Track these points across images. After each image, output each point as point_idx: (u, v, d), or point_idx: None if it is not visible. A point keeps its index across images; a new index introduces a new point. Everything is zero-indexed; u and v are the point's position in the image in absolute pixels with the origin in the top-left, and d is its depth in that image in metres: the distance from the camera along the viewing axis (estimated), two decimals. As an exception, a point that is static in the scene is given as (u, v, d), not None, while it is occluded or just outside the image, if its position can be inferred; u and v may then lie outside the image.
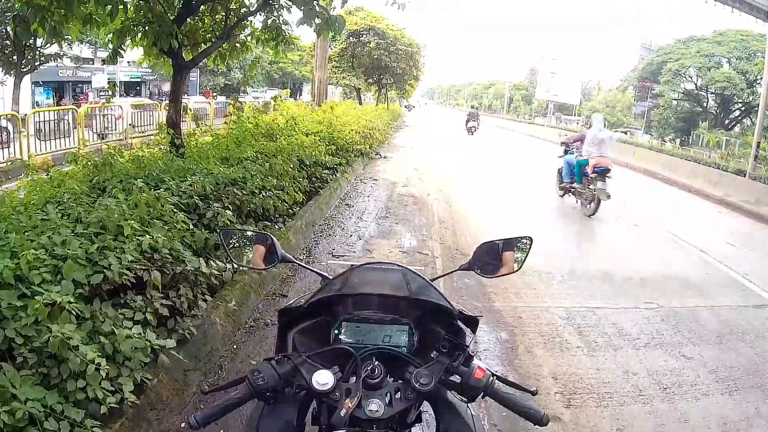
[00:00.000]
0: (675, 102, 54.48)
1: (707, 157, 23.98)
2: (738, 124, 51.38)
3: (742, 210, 14.24)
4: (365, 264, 1.76)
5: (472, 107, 40.53)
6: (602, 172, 10.40)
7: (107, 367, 2.70)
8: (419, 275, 1.69)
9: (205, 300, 4.08)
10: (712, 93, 51.02)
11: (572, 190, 11.58)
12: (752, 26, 35.29)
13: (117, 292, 3.35)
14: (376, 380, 1.43)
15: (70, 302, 2.75)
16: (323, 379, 1.37)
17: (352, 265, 1.73)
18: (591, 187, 10.65)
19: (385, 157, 17.81)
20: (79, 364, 2.59)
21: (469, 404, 1.53)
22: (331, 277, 1.75)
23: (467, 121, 32.64)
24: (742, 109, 50.55)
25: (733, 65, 49.53)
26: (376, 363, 1.47)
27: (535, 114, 77.02)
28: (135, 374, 2.92)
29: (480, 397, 1.47)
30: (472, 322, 1.65)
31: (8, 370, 2.44)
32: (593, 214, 10.72)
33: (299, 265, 1.96)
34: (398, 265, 1.74)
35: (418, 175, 14.60)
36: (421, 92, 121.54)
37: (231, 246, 2.03)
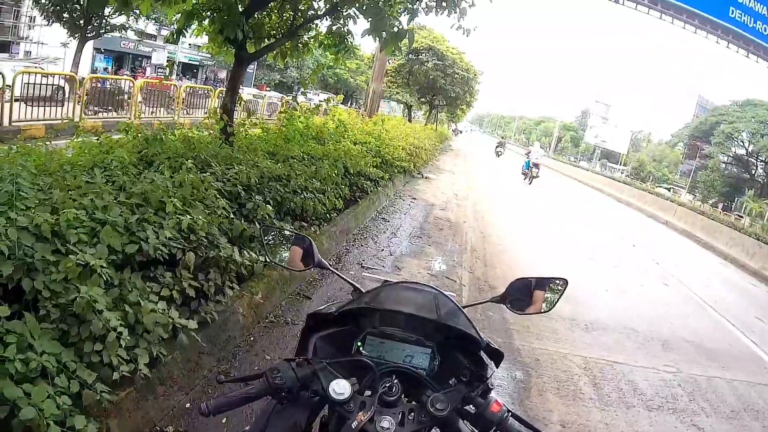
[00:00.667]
0: (723, 165, 53.29)
1: (748, 225, 23.37)
2: (784, 197, 49.99)
3: (776, 284, 13.87)
4: (399, 282, 1.75)
5: (501, 137, 50.11)
6: (536, 164, 24.52)
7: (128, 337, 2.74)
8: (451, 300, 1.67)
9: (231, 288, 4.11)
10: (762, 161, 49.75)
11: (525, 173, 24.99)
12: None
13: (149, 265, 3.40)
14: (392, 398, 1.42)
15: (102, 266, 2.79)
16: (341, 388, 1.37)
17: (385, 281, 1.73)
18: (532, 171, 24.54)
19: (426, 178, 17.85)
20: (101, 328, 2.63)
21: None
22: (363, 290, 1.76)
23: (496, 147, 42.41)
24: (791, 181, 49.17)
25: (788, 135, 48.38)
26: (395, 381, 1.46)
27: (581, 157, 76.32)
28: (152, 347, 2.95)
29: (492, 431, 1.44)
30: (497, 356, 1.62)
31: (30, 320, 2.47)
32: (530, 183, 24.43)
33: (334, 272, 1.94)
34: (431, 287, 1.72)
35: (457, 201, 14.60)
36: (470, 118, 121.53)
37: (268, 242, 2.05)
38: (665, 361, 6.30)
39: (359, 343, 1.61)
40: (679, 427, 4.82)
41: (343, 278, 1.94)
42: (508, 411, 1.43)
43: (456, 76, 32.81)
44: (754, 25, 18.18)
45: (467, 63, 34.28)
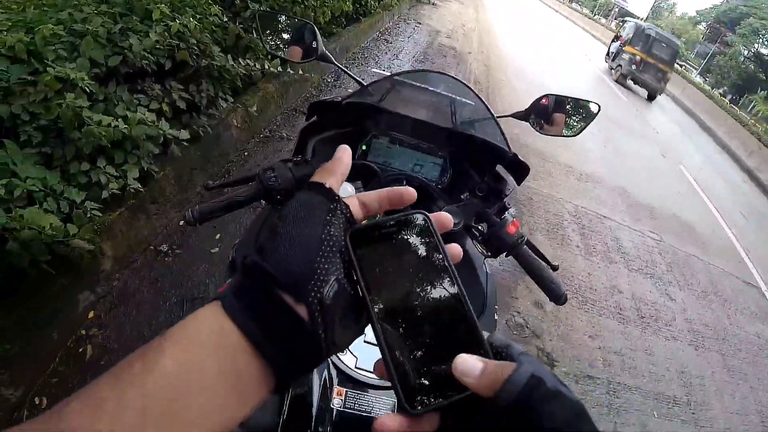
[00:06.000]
0: (742, 59, 51.06)
1: (752, 123, 22.83)
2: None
3: (765, 189, 13.93)
4: (409, 73, 1.54)
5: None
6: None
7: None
8: (482, 101, 1.47)
9: (225, 100, 3.91)
10: (783, 65, 47.67)
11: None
12: None
13: (135, 77, 3.19)
14: None
15: (83, 79, 2.59)
16: (344, 190, 1.16)
17: (393, 73, 1.50)
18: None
19: (434, 4, 16.80)
20: (93, 140, 2.49)
21: (485, 260, 1.42)
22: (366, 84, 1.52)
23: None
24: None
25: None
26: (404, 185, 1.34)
27: (597, 13, 72.76)
28: (142, 162, 2.82)
29: (504, 255, 1.28)
30: (522, 171, 1.39)
31: (10, 147, 2.30)
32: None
33: (338, 66, 1.62)
34: (452, 78, 1.52)
35: (464, 31, 13.91)
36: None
37: (267, 32, 1.83)
38: (650, 227, 6.45)
39: (364, 147, 1.48)
40: (653, 292, 5.02)
41: (347, 72, 1.68)
42: (524, 235, 1.28)
43: None
44: None
45: None
